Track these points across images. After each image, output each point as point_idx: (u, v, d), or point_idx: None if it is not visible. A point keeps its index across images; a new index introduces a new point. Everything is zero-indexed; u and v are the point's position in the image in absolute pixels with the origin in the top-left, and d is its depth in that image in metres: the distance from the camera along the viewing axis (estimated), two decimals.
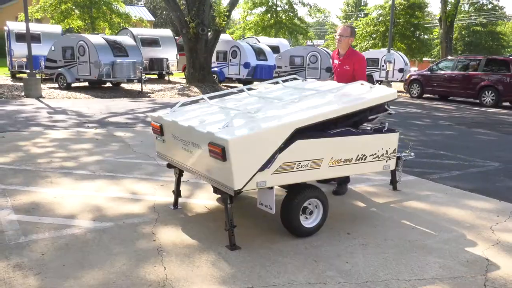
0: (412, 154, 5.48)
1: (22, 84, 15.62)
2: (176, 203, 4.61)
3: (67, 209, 4.48)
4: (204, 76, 19.20)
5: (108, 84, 18.28)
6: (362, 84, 4.58)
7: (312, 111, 3.87)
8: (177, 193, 4.59)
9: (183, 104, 4.60)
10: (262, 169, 3.51)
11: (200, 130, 3.68)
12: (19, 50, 19.37)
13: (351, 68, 5.07)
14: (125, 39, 18.51)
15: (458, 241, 4.04)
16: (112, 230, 4.00)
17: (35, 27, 20.26)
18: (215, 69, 20.92)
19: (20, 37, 19.12)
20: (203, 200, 4.89)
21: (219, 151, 3.36)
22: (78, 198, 4.81)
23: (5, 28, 20.73)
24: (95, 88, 17.78)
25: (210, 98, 4.79)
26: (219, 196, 3.98)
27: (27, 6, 14.81)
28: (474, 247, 3.92)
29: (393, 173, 5.35)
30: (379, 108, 4.41)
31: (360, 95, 4.34)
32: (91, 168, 5.99)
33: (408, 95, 19.97)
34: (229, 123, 3.61)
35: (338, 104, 4.11)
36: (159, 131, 4.34)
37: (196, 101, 5.06)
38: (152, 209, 4.55)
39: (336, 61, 5.28)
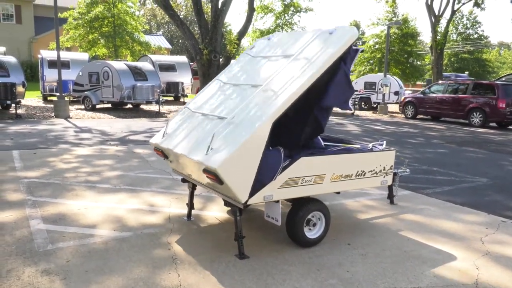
0: (408, 170, 5.44)
1: (52, 105, 15.80)
2: (189, 214, 4.59)
3: (91, 219, 4.48)
4: None
5: (129, 106, 18.44)
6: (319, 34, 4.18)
7: (283, 96, 3.59)
8: (190, 205, 4.57)
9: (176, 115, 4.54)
10: (259, 172, 3.43)
11: (191, 158, 3.64)
12: (50, 75, 19.65)
13: None
14: (144, 65, 18.72)
15: (451, 251, 3.97)
16: (131, 239, 3.98)
17: (65, 55, 20.58)
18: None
19: (52, 64, 19.43)
20: (215, 212, 4.87)
21: (214, 178, 3.38)
22: (101, 209, 4.81)
23: (39, 56, 21.10)
24: (117, 109, 17.94)
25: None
26: (229, 208, 3.96)
27: (59, 37, 15.09)
28: (465, 257, 3.85)
29: (390, 188, 5.31)
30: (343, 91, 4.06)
31: (321, 49, 3.92)
32: (113, 182, 6.00)
33: (403, 115, 19.91)
34: (212, 143, 3.49)
35: (304, 74, 3.72)
36: (163, 155, 4.31)
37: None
38: (167, 220, 4.53)
39: None
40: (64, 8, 27.14)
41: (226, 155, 3.30)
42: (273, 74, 3.97)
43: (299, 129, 4.28)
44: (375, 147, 4.50)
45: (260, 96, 3.77)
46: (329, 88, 3.97)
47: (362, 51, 4.55)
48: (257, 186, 3.48)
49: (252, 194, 3.47)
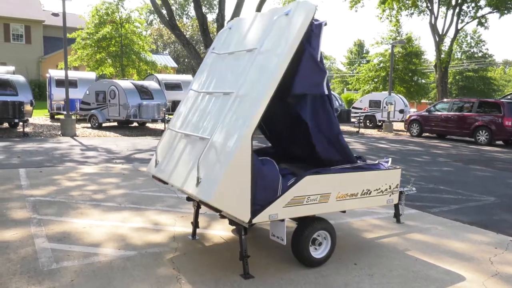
0: (414, 189, 5.39)
1: (59, 124, 15.95)
2: (194, 233, 4.57)
3: (95, 238, 4.47)
4: None
5: (135, 124, 18.57)
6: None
7: (256, 103, 3.37)
8: (195, 224, 4.55)
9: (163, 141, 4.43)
10: (256, 189, 3.37)
11: (186, 190, 3.63)
12: (58, 94, 19.90)
13: None
14: (151, 84, 18.92)
15: (459, 272, 3.90)
16: (135, 258, 3.95)
17: (72, 74, 20.87)
18: None
19: (60, 83, 19.69)
20: (219, 231, 4.84)
21: (210, 207, 3.37)
22: (106, 228, 4.79)
23: (47, 75, 21.42)
24: (123, 127, 18.06)
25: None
26: (234, 227, 3.94)
27: (67, 57, 15.34)
28: (474, 278, 3.78)
29: (396, 206, 5.26)
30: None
31: (282, 36, 3.60)
32: (118, 200, 6.00)
33: (408, 133, 19.87)
34: (200, 172, 3.41)
35: (271, 70, 3.44)
36: (162, 182, 4.27)
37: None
38: (172, 239, 4.51)
39: None
40: (72, 29, 27.64)
41: (216, 185, 3.23)
42: (241, 75, 3.71)
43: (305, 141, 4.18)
44: (381, 164, 4.48)
45: (234, 106, 3.60)
46: (295, 74, 3.63)
47: (326, 24, 3.80)
48: (259, 203, 3.43)
49: (255, 212, 3.42)
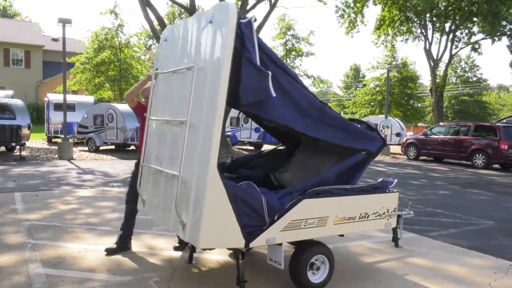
0: (412, 212, 5.38)
1: (56, 147, 15.94)
2: (191, 258, 4.51)
3: (90, 263, 4.40)
4: None
5: (132, 147, 18.56)
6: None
7: (209, 129, 3.20)
8: (192, 248, 4.50)
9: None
10: (242, 216, 3.28)
11: (175, 233, 3.63)
12: (56, 117, 19.96)
13: None
14: None
15: None
16: (130, 284, 3.89)
17: (70, 98, 20.99)
18: (229, 133, 21.22)
19: (58, 107, 19.80)
20: (216, 255, 4.78)
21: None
22: (101, 252, 4.73)
23: (46, 99, 21.54)
24: (120, 150, 18.04)
25: None
26: (231, 251, 3.90)
27: (66, 81, 15.46)
28: None
29: (394, 230, 5.23)
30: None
31: (214, 48, 3.32)
32: (113, 224, 5.94)
33: (405, 157, 19.93)
34: (180, 216, 3.33)
35: (214, 89, 3.20)
36: None
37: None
38: (168, 264, 4.45)
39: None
40: (72, 53, 27.96)
41: (199, 229, 3.15)
42: (188, 97, 3.41)
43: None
44: (385, 181, 4.48)
45: (191, 137, 3.39)
46: (238, 84, 3.35)
47: (255, 19, 3.35)
48: (249, 227, 3.37)
49: (249, 236, 3.37)
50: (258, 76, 3.32)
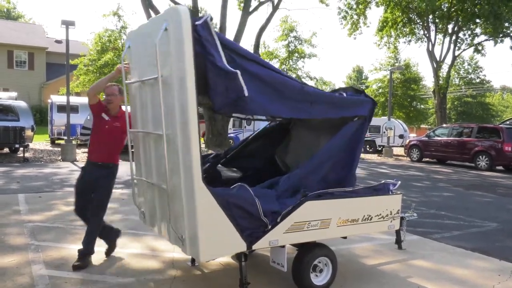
0: (415, 214, 5.36)
1: (59, 149, 15.97)
2: (193, 259, 4.51)
3: (93, 264, 4.40)
4: (221, 141, 19.47)
5: None
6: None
7: (185, 141, 3.13)
8: None
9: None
10: (237, 220, 3.25)
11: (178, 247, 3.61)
12: (59, 119, 20.01)
13: (121, 125, 4.40)
14: None
15: None
16: (133, 286, 3.89)
17: (74, 100, 21.02)
18: (231, 135, 21.24)
19: (61, 108, 19.84)
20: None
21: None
22: (103, 254, 4.73)
23: (49, 100, 21.61)
24: (124, 152, 18.05)
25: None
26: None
27: (69, 82, 15.50)
28: None
29: (397, 232, 5.21)
30: None
31: (175, 57, 3.17)
32: (116, 226, 5.93)
33: (408, 159, 19.88)
34: (178, 231, 3.32)
35: (182, 100, 3.09)
36: None
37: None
38: (171, 265, 4.45)
39: (106, 117, 4.50)
40: (75, 55, 28.04)
41: (197, 244, 3.13)
42: (159, 109, 3.33)
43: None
44: (387, 183, 4.46)
45: (171, 150, 3.32)
46: (209, 90, 3.22)
47: (212, 18, 3.13)
48: (248, 231, 3.35)
49: (251, 239, 3.37)
50: (226, 77, 3.19)
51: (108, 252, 4.69)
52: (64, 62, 16.02)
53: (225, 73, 3.17)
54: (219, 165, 4.93)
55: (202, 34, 3.13)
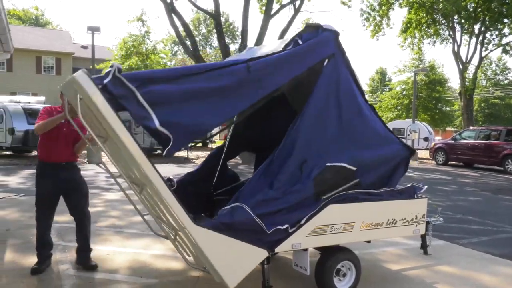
0: (441, 219, 5.24)
1: (85, 151, 16.33)
2: None
3: (118, 265, 4.48)
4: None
5: (158, 151, 18.84)
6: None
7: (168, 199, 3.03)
8: None
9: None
10: (244, 234, 3.22)
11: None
12: None
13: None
14: None
15: None
16: (156, 287, 3.94)
17: None
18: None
19: None
20: None
21: None
22: (127, 255, 4.81)
23: None
24: (148, 155, 18.32)
25: None
26: None
27: None
28: None
29: (423, 237, 5.10)
30: None
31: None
32: (139, 227, 6.04)
33: (433, 162, 19.48)
34: (197, 261, 3.44)
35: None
36: None
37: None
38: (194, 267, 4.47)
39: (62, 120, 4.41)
40: (101, 60, 28.70)
41: (219, 274, 3.16)
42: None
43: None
44: (414, 187, 4.38)
45: (153, 196, 3.37)
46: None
47: (120, 70, 2.88)
48: (259, 240, 3.32)
49: (271, 244, 3.37)
50: (144, 118, 2.98)
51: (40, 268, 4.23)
52: (90, 67, 16.40)
53: (143, 117, 2.99)
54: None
55: (114, 92, 2.86)
